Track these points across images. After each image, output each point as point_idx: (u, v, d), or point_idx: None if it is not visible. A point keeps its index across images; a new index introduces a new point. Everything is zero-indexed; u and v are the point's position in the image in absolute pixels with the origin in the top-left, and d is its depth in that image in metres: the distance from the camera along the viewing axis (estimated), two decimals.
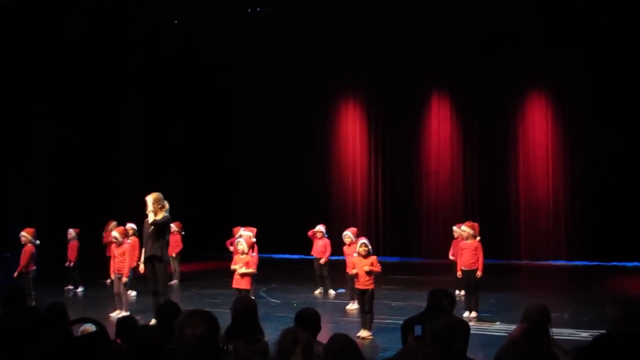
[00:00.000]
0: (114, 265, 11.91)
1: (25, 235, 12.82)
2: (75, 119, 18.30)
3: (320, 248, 13.99)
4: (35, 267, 12.66)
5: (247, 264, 10.77)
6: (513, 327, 10.26)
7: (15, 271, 12.61)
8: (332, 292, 13.91)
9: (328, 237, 14.20)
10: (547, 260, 18.78)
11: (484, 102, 19.51)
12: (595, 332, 4.36)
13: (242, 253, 10.85)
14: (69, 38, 17.76)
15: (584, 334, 9.40)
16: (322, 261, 13.82)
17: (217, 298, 12.67)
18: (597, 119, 18.26)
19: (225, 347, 4.27)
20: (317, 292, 14.03)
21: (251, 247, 11.36)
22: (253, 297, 10.61)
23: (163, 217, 10.44)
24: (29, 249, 12.37)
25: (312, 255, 14.36)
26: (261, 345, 4.94)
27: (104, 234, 15.61)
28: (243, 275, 10.69)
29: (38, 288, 12.54)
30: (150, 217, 10.38)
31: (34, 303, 11.43)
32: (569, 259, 18.64)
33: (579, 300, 12.81)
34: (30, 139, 17.56)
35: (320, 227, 14.31)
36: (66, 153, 18.12)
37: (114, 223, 15.15)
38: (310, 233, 14.44)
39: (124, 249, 11.89)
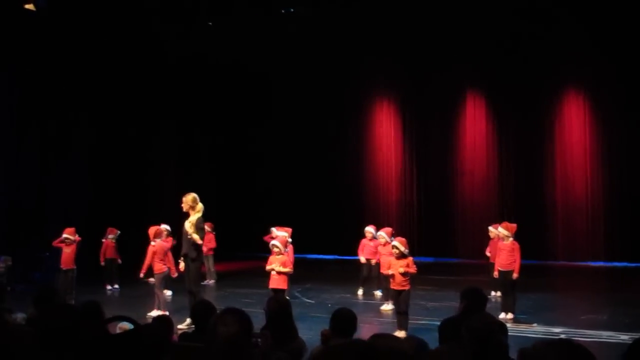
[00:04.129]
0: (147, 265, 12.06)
1: (68, 236, 13.08)
2: (113, 121, 18.51)
3: (372, 249, 13.72)
4: (75, 266, 12.96)
5: (283, 264, 10.78)
6: (551, 329, 10.19)
7: (56, 269, 12.96)
8: (378, 293, 13.62)
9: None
10: (585, 261, 18.51)
11: (520, 101, 19.31)
12: (636, 335, 4.27)
13: (279, 254, 10.88)
14: (108, 42, 17.95)
15: (624, 337, 9.25)
16: (373, 262, 13.60)
17: (252, 298, 12.69)
18: (635, 118, 17.97)
19: (257, 342, 4.28)
20: (359, 293, 13.91)
21: (285, 246, 11.36)
22: (287, 297, 10.66)
23: (196, 220, 10.51)
24: (160, 247, 12.52)
25: (356, 256, 14.21)
26: (296, 344, 4.93)
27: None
28: (279, 273, 10.70)
29: (79, 286, 12.82)
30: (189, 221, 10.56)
31: (73, 301, 11.62)
32: (607, 259, 18.35)
33: (618, 302, 12.60)
34: (70, 140, 17.77)
35: (370, 229, 14.14)
36: (104, 155, 18.33)
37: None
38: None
39: (154, 249, 12.01)
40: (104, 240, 15.31)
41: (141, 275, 12.23)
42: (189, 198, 10.66)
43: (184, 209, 10.63)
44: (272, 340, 4.51)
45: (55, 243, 13.37)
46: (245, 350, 3.36)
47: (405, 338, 4.73)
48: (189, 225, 10.50)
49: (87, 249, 14.46)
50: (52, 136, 17.27)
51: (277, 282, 10.71)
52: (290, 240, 12.43)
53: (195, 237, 10.43)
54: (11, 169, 16.42)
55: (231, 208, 21.15)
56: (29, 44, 16.47)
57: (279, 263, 10.75)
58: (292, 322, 5.20)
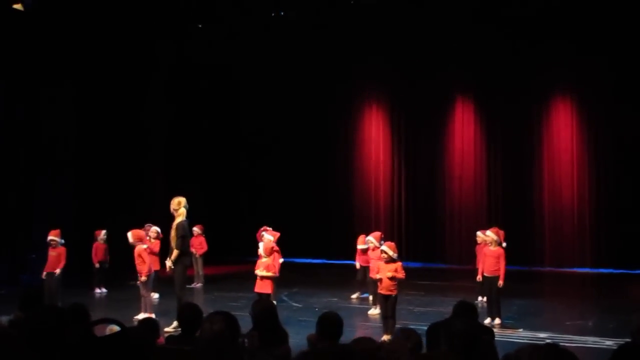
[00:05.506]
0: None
1: (54, 238, 12.85)
2: (101, 122, 18.39)
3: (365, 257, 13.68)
4: (61, 269, 12.76)
5: (266, 268, 10.81)
6: (537, 334, 10.23)
7: (42, 272, 12.75)
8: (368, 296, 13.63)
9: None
10: (572, 267, 18.59)
11: (508, 106, 19.39)
12: (621, 341, 4.30)
13: (263, 257, 10.93)
14: (96, 39, 17.89)
15: (609, 342, 9.31)
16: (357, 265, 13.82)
17: (239, 301, 12.66)
18: (623, 125, 18.06)
19: (244, 342, 4.29)
20: (354, 296, 13.92)
21: (271, 251, 11.33)
22: (274, 301, 10.72)
23: (177, 224, 10.64)
24: (62, 250, 12.66)
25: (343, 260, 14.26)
26: (282, 350, 4.93)
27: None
28: (263, 278, 10.74)
29: (64, 289, 12.68)
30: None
31: (59, 304, 11.52)
32: (593, 266, 18.44)
33: (604, 308, 12.68)
34: (57, 141, 17.64)
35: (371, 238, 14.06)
36: (91, 156, 18.20)
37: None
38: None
39: (139, 251, 11.93)
40: (94, 243, 15.25)
41: (143, 278, 11.90)
42: (174, 202, 10.91)
43: (171, 212, 10.81)
44: (259, 342, 4.52)
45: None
46: (230, 348, 3.37)
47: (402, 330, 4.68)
48: (172, 232, 10.66)
49: (74, 251, 14.33)
50: (37, 136, 17.12)
51: (261, 286, 10.80)
52: (275, 244, 12.40)
53: (175, 252, 10.53)
54: None
55: (220, 212, 21.11)
56: (15, 41, 16.32)
57: (263, 267, 10.81)
58: (279, 326, 5.20)
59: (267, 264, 10.85)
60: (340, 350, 1.61)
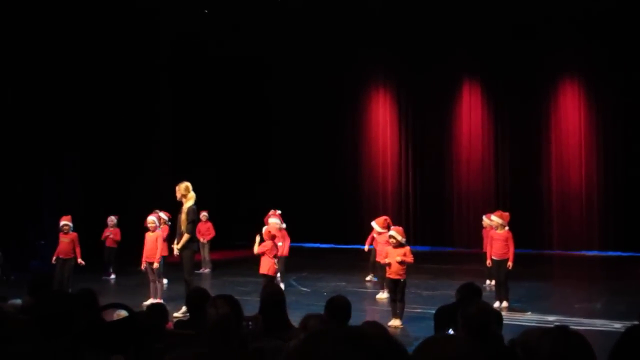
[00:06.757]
0: (146, 253, 11.89)
1: (67, 223, 12.74)
2: (109, 109, 18.38)
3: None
4: (74, 255, 12.66)
5: (261, 245, 10.98)
6: (545, 317, 10.24)
7: (51, 258, 12.69)
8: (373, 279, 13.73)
9: None
10: (580, 250, 18.56)
11: (516, 89, 19.31)
12: (629, 324, 4.31)
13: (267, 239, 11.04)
14: (103, 29, 17.84)
15: (617, 325, 9.30)
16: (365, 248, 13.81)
17: (247, 286, 12.67)
18: (631, 106, 17.97)
19: (248, 325, 4.31)
20: (368, 278, 13.93)
21: (270, 236, 11.26)
22: (282, 285, 10.80)
23: (188, 209, 10.64)
24: (74, 235, 12.62)
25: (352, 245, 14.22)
26: (288, 334, 4.94)
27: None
28: (262, 258, 10.90)
29: (75, 275, 12.69)
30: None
31: (70, 290, 11.54)
32: (602, 249, 18.41)
33: (612, 290, 12.66)
34: (65, 128, 17.62)
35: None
36: (99, 142, 18.20)
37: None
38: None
39: (156, 236, 11.92)
40: (111, 229, 15.29)
41: (156, 264, 11.96)
42: (181, 186, 10.84)
43: (177, 198, 10.78)
44: (264, 325, 4.54)
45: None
46: (235, 331, 3.39)
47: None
48: (183, 216, 10.64)
49: (82, 237, 14.37)
50: (46, 125, 17.13)
51: (261, 267, 10.93)
52: (279, 244, 12.31)
53: (186, 236, 10.54)
54: (5, 158, 16.31)
55: (228, 196, 21.12)
56: (22, 35, 16.31)
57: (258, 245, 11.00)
58: (284, 311, 5.21)
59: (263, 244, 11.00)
60: (354, 331, 1.59)
